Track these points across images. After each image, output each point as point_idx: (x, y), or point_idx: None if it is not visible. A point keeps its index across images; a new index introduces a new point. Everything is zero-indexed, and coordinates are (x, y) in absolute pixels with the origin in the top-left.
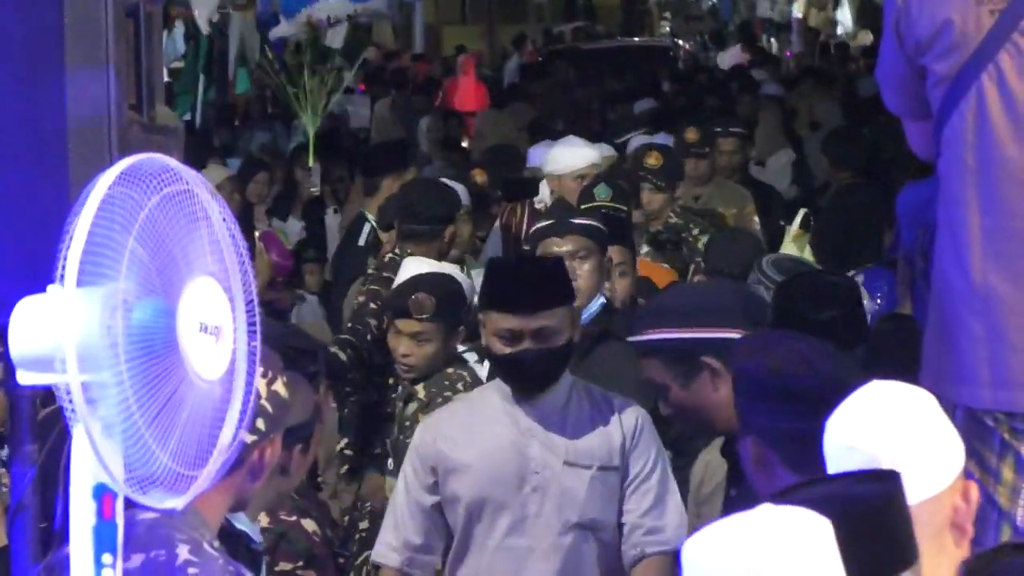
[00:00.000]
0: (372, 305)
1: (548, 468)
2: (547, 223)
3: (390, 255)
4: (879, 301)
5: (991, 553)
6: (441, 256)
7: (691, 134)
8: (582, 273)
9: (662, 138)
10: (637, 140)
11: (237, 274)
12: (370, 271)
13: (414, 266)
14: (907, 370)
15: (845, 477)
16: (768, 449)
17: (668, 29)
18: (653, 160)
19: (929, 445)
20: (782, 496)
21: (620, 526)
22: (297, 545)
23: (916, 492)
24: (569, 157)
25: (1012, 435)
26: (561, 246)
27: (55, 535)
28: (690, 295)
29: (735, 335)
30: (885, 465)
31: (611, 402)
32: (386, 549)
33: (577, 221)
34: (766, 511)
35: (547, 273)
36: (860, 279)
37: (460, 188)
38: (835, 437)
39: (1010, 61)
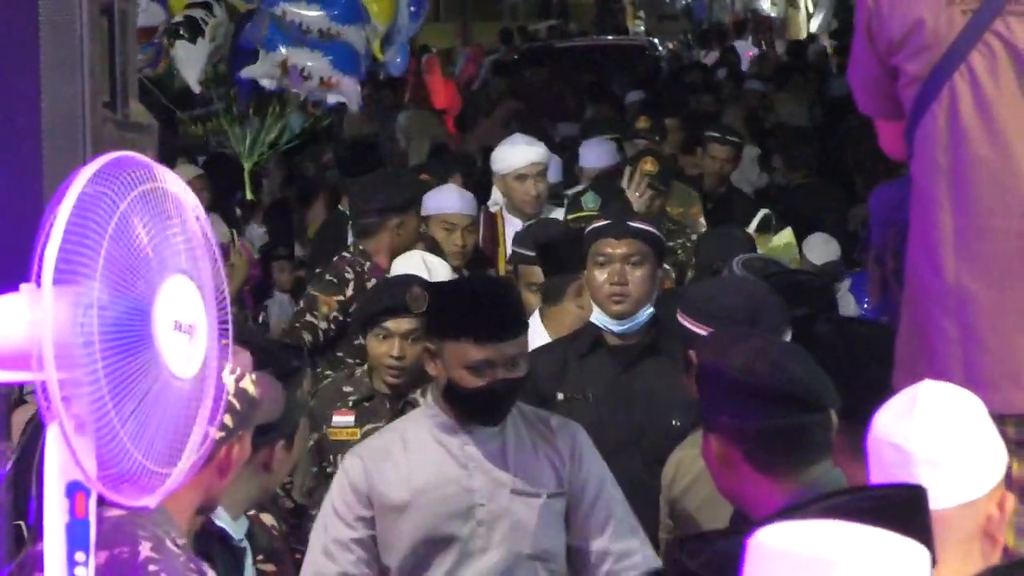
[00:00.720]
0: (309, 316)
1: (494, 500)
2: (604, 223)
3: (343, 253)
4: (866, 306)
5: (1011, 568)
6: (393, 249)
7: (643, 122)
8: (633, 279)
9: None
10: (593, 146)
11: (210, 272)
12: (325, 272)
13: (404, 262)
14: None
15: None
16: (731, 447)
17: (643, 28)
18: (650, 166)
19: (971, 450)
20: (807, 507)
21: (571, 552)
22: (258, 540)
23: (953, 496)
24: (510, 156)
25: None
26: (616, 248)
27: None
28: (709, 288)
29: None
30: (923, 465)
31: (548, 422)
32: None
33: (635, 225)
34: (864, 529)
35: (513, 297)
36: (847, 283)
37: (469, 196)
38: (878, 433)
39: (982, 61)
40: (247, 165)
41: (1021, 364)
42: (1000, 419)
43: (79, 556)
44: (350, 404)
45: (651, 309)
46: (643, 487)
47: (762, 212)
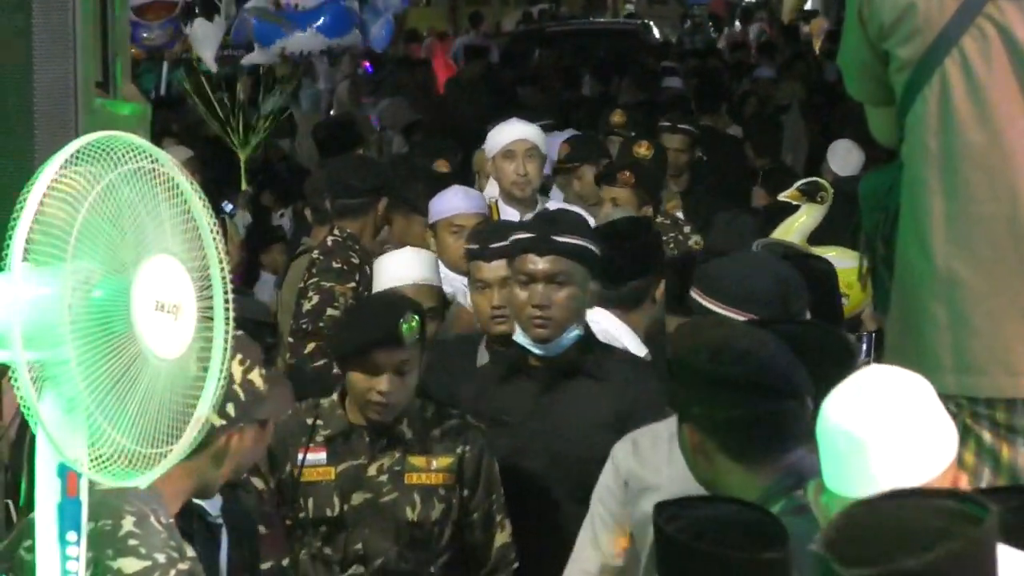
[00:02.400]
0: (331, 310)
1: None
2: (528, 236)
3: (332, 238)
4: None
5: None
6: (376, 231)
7: (617, 116)
8: (557, 301)
9: (557, 136)
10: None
11: (215, 253)
12: (315, 255)
13: (391, 260)
14: None
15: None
16: (705, 436)
17: (632, 10)
18: (644, 150)
19: (922, 432)
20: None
21: None
22: (244, 503)
23: (906, 479)
24: (499, 134)
25: (974, 420)
26: (539, 265)
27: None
28: (733, 270)
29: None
30: (876, 450)
31: None
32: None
33: (562, 239)
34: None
35: None
36: None
37: (476, 195)
38: (829, 421)
39: (974, 45)
40: (243, 155)
41: (1011, 349)
42: (990, 403)
43: (71, 536)
44: (319, 440)
45: (577, 330)
46: (564, 517)
47: (813, 178)
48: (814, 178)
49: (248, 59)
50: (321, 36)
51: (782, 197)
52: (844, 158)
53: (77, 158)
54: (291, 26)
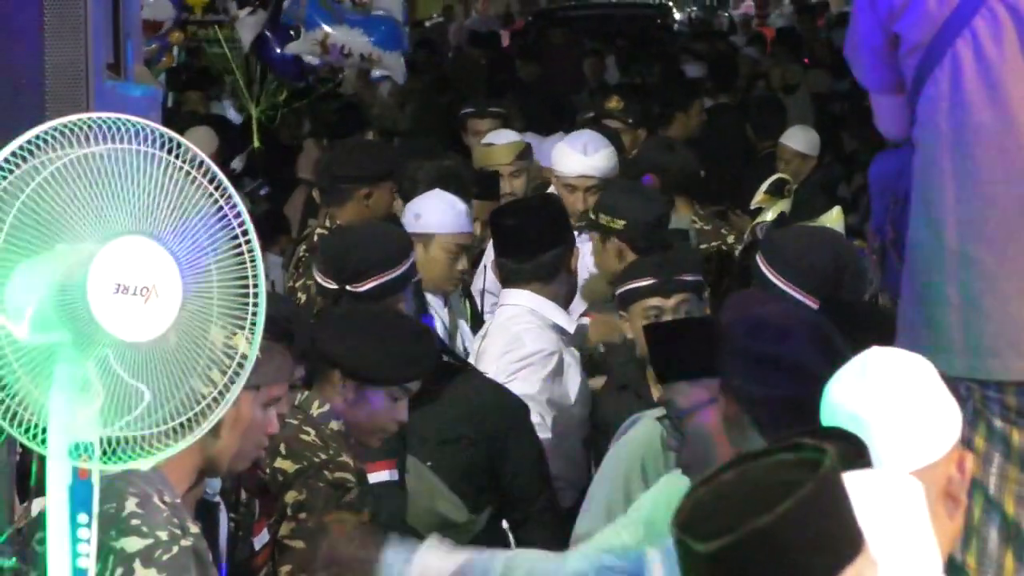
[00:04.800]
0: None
1: None
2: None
3: (319, 232)
4: None
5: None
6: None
7: (614, 102)
8: None
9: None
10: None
11: (205, 231)
12: (302, 253)
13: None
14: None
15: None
16: (740, 410)
17: None
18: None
19: (926, 413)
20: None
21: None
22: (245, 481)
23: (912, 460)
24: (560, 162)
25: (984, 403)
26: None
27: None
28: (796, 244)
29: (803, 299)
30: (880, 433)
31: None
32: None
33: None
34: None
35: None
36: None
37: (463, 208)
38: (833, 403)
39: (985, 27)
40: (255, 113)
41: (1022, 331)
42: (1000, 386)
43: (82, 518)
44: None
45: None
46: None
47: (776, 175)
48: (777, 175)
49: (290, 48)
50: (366, 40)
51: (754, 205)
52: (800, 138)
53: (43, 143)
54: (340, 19)
